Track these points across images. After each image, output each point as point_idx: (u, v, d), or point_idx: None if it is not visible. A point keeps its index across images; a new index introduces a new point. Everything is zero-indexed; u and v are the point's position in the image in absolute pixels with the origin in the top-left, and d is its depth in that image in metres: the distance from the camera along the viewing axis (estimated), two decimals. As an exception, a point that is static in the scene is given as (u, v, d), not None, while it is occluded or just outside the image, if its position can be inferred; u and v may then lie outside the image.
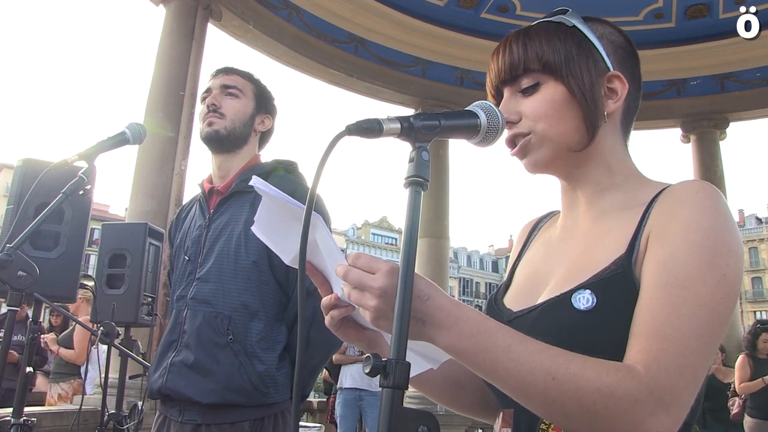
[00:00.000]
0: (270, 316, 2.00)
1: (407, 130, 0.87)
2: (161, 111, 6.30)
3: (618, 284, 0.93)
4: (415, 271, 0.82)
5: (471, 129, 0.94)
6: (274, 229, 1.00)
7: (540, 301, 1.02)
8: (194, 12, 6.73)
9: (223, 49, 12.57)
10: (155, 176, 6.12)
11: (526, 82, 1.07)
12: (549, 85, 1.05)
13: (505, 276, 1.23)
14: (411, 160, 0.86)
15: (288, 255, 1.00)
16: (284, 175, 2.15)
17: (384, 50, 8.88)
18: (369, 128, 0.83)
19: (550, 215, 1.26)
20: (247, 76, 2.25)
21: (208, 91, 2.20)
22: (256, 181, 0.96)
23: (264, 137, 2.30)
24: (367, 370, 0.74)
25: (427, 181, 0.85)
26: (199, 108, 2.24)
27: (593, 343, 0.90)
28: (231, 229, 2.05)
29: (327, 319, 0.97)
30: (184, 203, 2.42)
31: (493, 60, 1.11)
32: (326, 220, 2.14)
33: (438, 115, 0.91)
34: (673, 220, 0.92)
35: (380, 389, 0.75)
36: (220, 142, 2.14)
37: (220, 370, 1.92)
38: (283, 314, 2.04)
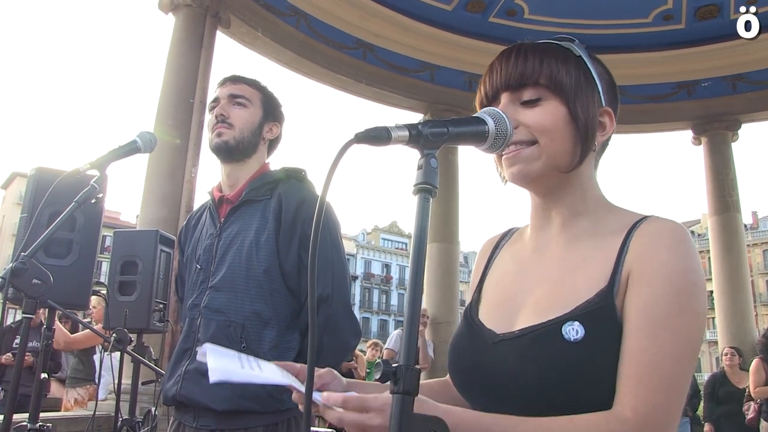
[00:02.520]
0: (282, 323, 2.01)
1: (415, 137, 0.87)
2: (171, 119, 6.35)
3: (602, 316, 1.00)
4: (425, 276, 0.84)
5: (479, 136, 0.95)
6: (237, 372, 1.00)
7: (523, 325, 1.06)
8: (203, 20, 6.78)
9: (231, 56, 12.64)
10: (166, 184, 6.16)
11: (529, 94, 1.10)
12: (551, 103, 1.10)
13: (472, 292, 1.27)
14: (419, 168, 0.87)
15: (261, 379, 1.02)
16: (293, 182, 2.15)
17: (392, 55, 8.90)
18: (377, 136, 0.84)
19: (511, 232, 1.32)
20: (255, 84, 2.25)
21: (216, 100, 2.20)
22: (216, 377, 0.93)
23: (272, 145, 2.30)
24: (377, 376, 0.75)
25: (436, 188, 0.86)
26: (207, 117, 2.24)
27: (582, 372, 0.97)
28: (242, 238, 2.06)
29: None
30: (193, 210, 2.42)
31: (499, 63, 1.15)
32: (336, 227, 2.15)
33: (446, 122, 0.91)
34: (654, 263, 1.00)
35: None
36: (229, 153, 2.15)
37: None
38: (296, 321, 2.05)
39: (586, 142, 1.09)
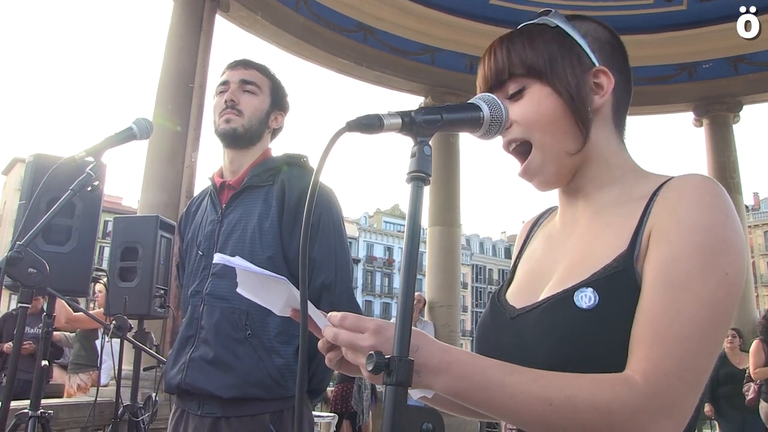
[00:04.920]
0: None
1: (408, 125, 0.86)
2: (170, 103, 6.32)
3: (620, 282, 0.93)
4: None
5: (474, 122, 0.94)
6: (256, 288, 1.04)
7: (542, 297, 1.02)
8: (202, 3, 6.73)
9: (231, 40, 12.57)
10: (166, 169, 6.14)
11: (512, 88, 1.07)
12: (535, 89, 1.05)
13: (508, 275, 1.24)
14: (413, 155, 0.85)
15: (276, 307, 1.03)
16: (296, 169, 2.13)
17: (393, 38, 8.84)
18: (369, 124, 0.83)
19: (549, 211, 1.26)
20: (265, 72, 2.22)
21: (226, 84, 2.16)
22: (219, 259, 1.03)
23: (274, 133, 2.27)
24: (370, 368, 0.74)
25: (429, 176, 0.85)
26: (215, 100, 2.20)
27: (596, 342, 0.91)
28: (245, 225, 2.04)
29: (326, 360, 0.99)
30: (194, 196, 2.39)
31: (480, 68, 1.12)
32: (340, 215, 2.14)
33: (440, 108, 0.90)
34: (674, 219, 0.92)
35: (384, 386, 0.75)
36: (236, 140, 2.13)
37: (240, 365, 1.92)
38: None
39: (580, 113, 1.04)
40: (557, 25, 1.08)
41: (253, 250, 2.00)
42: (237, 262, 0.98)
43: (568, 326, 0.94)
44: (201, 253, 2.11)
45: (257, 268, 0.99)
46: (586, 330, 0.92)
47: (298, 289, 0.89)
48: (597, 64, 1.07)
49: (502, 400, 0.87)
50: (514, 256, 1.27)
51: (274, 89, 2.23)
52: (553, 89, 1.04)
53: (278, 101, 2.24)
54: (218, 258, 1.03)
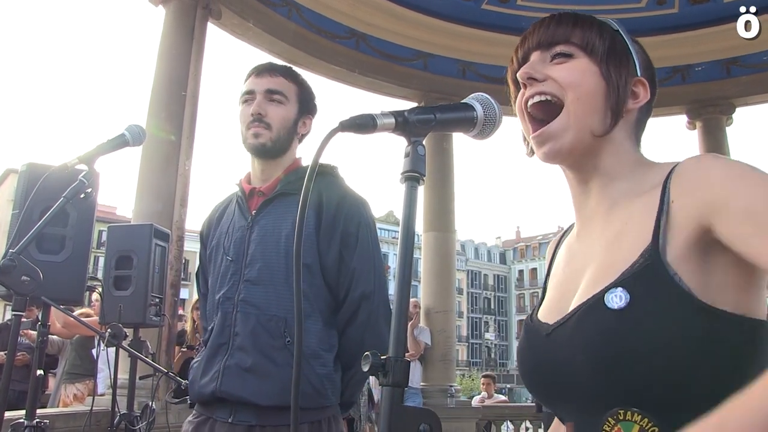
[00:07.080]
0: (324, 318, 1.98)
1: (402, 124, 0.86)
2: (163, 111, 6.30)
3: (649, 276, 0.91)
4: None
5: (467, 122, 0.94)
6: None
7: (572, 307, 1.00)
8: (193, 11, 6.72)
9: (223, 47, 12.59)
10: (159, 177, 6.12)
11: (560, 49, 1.08)
12: (583, 61, 1.07)
13: (539, 297, 1.22)
14: (406, 155, 0.85)
15: None
16: (329, 179, 2.11)
17: (385, 44, 8.84)
18: (362, 124, 0.83)
19: (569, 228, 1.24)
20: (291, 77, 2.17)
21: (251, 93, 2.11)
22: None
23: (302, 138, 2.23)
24: (366, 369, 0.74)
25: (423, 175, 0.85)
26: (239, 108, 2.15)
27: (632, 340, 0.88)
28: (278, 232, 2.01)
29: None
30: (217, 203, 2.32)
31: (533, 28, 1.13)
32: (375, 226, 2.15)
33: (433, 108, 0.90)
34: (709, 187, 0.90)
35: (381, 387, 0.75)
36: (265, 153, 2.11)
37: (279, 373, 1.88)
38: (333, 318, 2.01)
39: (616, 105, 1.05)
40: (618, 30, 1.12)
41: (289, 257, 1.96)
42: None
43: (602, 329, 0.91)
44: (230, 259, 2.06)
45: None
46: (621, 330, 0.89)
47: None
48: (639, 74, 1.09)
49: None
50: (544, 278, 1.25)
51: (301, 94, 2.18)
52: (600, 71, 1.06)
53: (306, 106, 2.20)
54: None
